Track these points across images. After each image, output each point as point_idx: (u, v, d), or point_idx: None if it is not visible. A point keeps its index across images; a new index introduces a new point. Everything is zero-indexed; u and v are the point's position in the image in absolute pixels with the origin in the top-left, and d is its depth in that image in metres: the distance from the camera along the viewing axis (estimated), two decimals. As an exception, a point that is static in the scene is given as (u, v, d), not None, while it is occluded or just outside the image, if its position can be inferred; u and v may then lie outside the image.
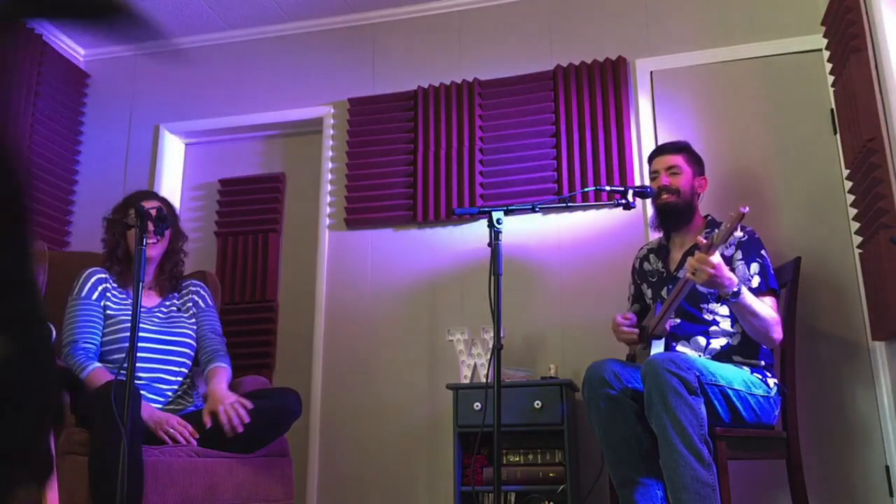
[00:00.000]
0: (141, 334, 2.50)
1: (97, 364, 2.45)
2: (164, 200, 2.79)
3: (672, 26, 3.43)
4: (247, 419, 2.35)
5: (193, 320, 2.74)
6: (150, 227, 2.57)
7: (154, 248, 2.68)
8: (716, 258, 2.22)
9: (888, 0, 2.53)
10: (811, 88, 3.18)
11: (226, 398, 2.39)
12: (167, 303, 2.73)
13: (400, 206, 3.55)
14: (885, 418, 2.79)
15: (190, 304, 2.76)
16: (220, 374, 2.56)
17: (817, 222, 3.05)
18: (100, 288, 2.61)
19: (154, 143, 4.00)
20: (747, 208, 2.07)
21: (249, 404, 2.39)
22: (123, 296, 2.66)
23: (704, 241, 2.26)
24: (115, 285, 2.66)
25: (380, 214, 3.57)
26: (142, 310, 2.58)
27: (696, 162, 2.69)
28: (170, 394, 2.55)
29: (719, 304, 2.43)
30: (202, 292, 2.81)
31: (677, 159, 2.66)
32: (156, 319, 2.64)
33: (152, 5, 3.83)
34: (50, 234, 3.76)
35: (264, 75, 3.96)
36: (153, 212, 2.21)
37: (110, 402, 2.03)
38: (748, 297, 2.30)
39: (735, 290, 2.26)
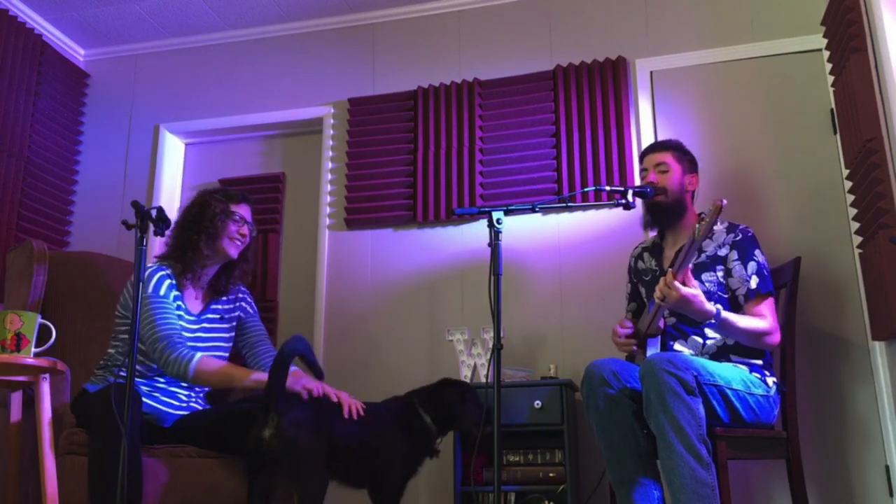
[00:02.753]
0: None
1: (201, 353, 2.36)
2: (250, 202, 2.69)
3: (672, 26, 3.44)
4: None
5: (232, 332, 2.66)
6: (244, 227, 2.57)
7: (236, 250, 2.59)
8: (694, 290, 2.21)
9: (888, 0, 2.53)
10: (811, 88, 3.18)
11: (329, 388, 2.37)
12: (213, 306, 2.61)
13: (400, 206, 3.55)
14: (885, 418, 2.79)
15: (236, 315, 2.68)
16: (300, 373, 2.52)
17: (817, 222, 3.05)
18: (173, 294, 2.47)
19: (154, 143, 4.00)
20: (725, 201, 2.06)
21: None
22: (179, 296, 2.52)
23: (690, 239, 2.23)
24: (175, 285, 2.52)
25: (380, 214, 3.57)
26: (189, 318, 2.53)
27: (686, 160, 2.66)
28: (183, 397, 2.54)
29: (713, 304, 2.40)
30: (249, 299, 2.74)
31: (665, 157, 2.64)
32: (201, 333, 2.54)
33: (153, 5, 3.84)
34: (50, 234, 3.76)
35: (264, 75, 3.96)
36: (153, 211, 2.20)
37: (110, 403, 2.03)
38: (730, 317, 2.30)
39: (712, 321, 2.27)
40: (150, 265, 2.51)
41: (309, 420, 2.19)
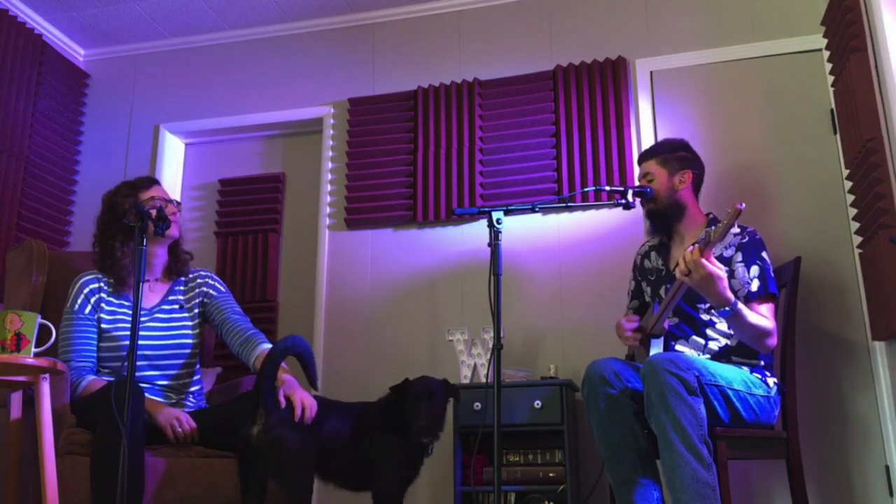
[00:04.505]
0: (138, 341, 2.47)
1: (91, 376, 2.41)
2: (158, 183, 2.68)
3: (672, 26, 3.44)
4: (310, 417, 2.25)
5: (198, 319, 2.64)
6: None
7: (176, 228, 2.57)
8: (721, 271, 2.18)
9: (888, 0, 2.53)
10: (811, 88, 3.18)
11: (299, 390, 2.27)
12: (171, 297, 2.62)
13: (400, 206, 3.56)
14: (885, 418, 2.79)
15: (197, 301, 2.65)
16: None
17: (817, 222, 3.05)
18: (92, 300, 2.51)
19: (154, 143, 4.00)
20: (743, 204, 2.04)
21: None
22: (120, 301, 2.54)
23: (702, 238, 2.22)
24: (108, 290, 2.54)
25: (380, 214, 3.57)
26: (141, 312, 2.55)
27: (673, 159, 2.62)
28: (171, 396, 2.54)
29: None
30: (211, 281, 2.69)
31: (648, 166, 2.64)
32: (153, 324, 2.55)
33: (153, 5, 3.84)
34: (50, 234, 3.76)
35: (264, 75, 3.96)
36: (153, 211, 2.20)
37: (111, 402, 2.02)
38: (744, 310, 2.27)
39: (727, 309, 2.22)
40: (83, 272, 2.57)
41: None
